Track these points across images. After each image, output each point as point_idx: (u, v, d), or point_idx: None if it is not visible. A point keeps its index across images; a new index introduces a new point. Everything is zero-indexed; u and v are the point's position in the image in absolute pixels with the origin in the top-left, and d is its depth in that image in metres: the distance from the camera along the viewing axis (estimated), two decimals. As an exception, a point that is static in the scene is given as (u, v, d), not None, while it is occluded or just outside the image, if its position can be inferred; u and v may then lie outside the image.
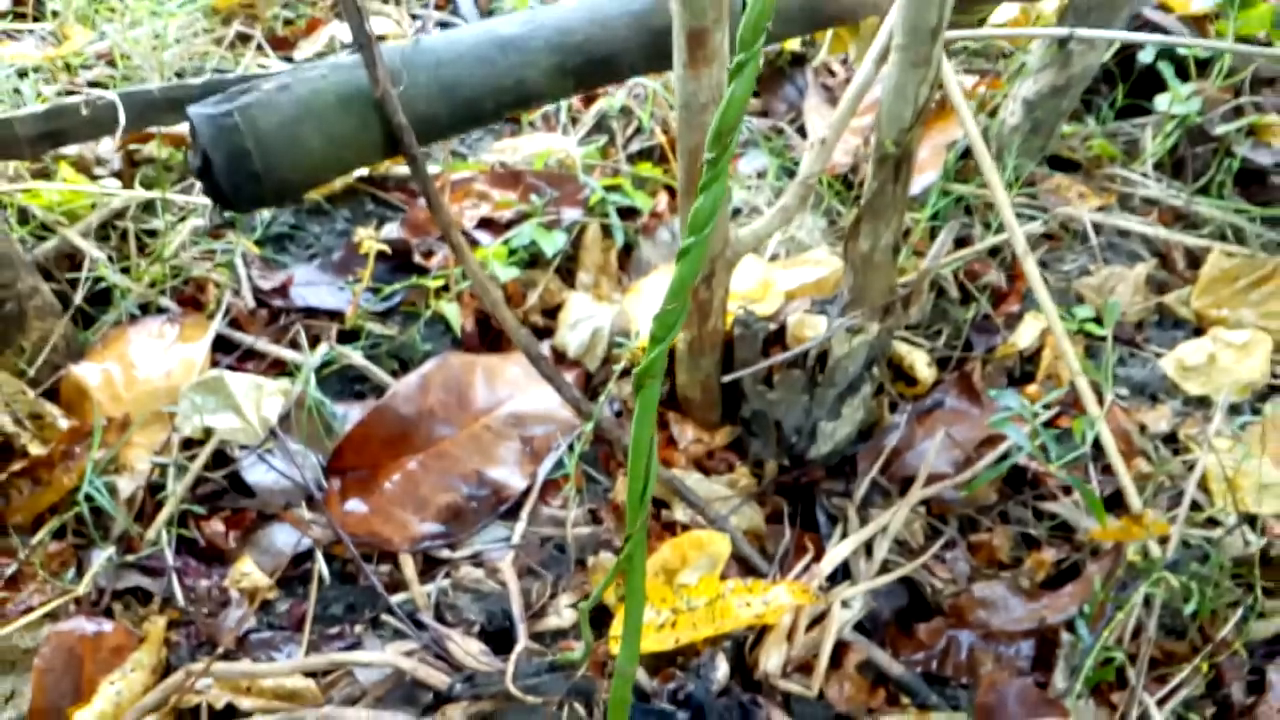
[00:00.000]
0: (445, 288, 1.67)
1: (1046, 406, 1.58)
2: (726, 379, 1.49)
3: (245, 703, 1.24)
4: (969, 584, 1.51)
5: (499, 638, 1.28)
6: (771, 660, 1.34)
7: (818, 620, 1.40)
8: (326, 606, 1.38)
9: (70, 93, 1.82)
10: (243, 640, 1.34)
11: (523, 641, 1.24)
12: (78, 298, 1.61)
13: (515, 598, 1.30)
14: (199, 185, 1.63)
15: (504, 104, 1.39)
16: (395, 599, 1.36)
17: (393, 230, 1.77)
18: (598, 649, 1.25)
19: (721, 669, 1.27)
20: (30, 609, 1.33)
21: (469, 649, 1.24)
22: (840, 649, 1.41)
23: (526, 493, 1.49)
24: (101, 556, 1.39)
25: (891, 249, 1.51)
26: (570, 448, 1.51)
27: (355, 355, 1.59)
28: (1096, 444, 1.64)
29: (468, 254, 1.36)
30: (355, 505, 1.43)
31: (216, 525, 1.44)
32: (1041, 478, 1.63)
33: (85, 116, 1.49)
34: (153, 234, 1.74)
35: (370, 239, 1.61)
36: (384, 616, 1.34)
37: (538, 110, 2.08)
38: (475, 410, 1.53)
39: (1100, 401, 1.53)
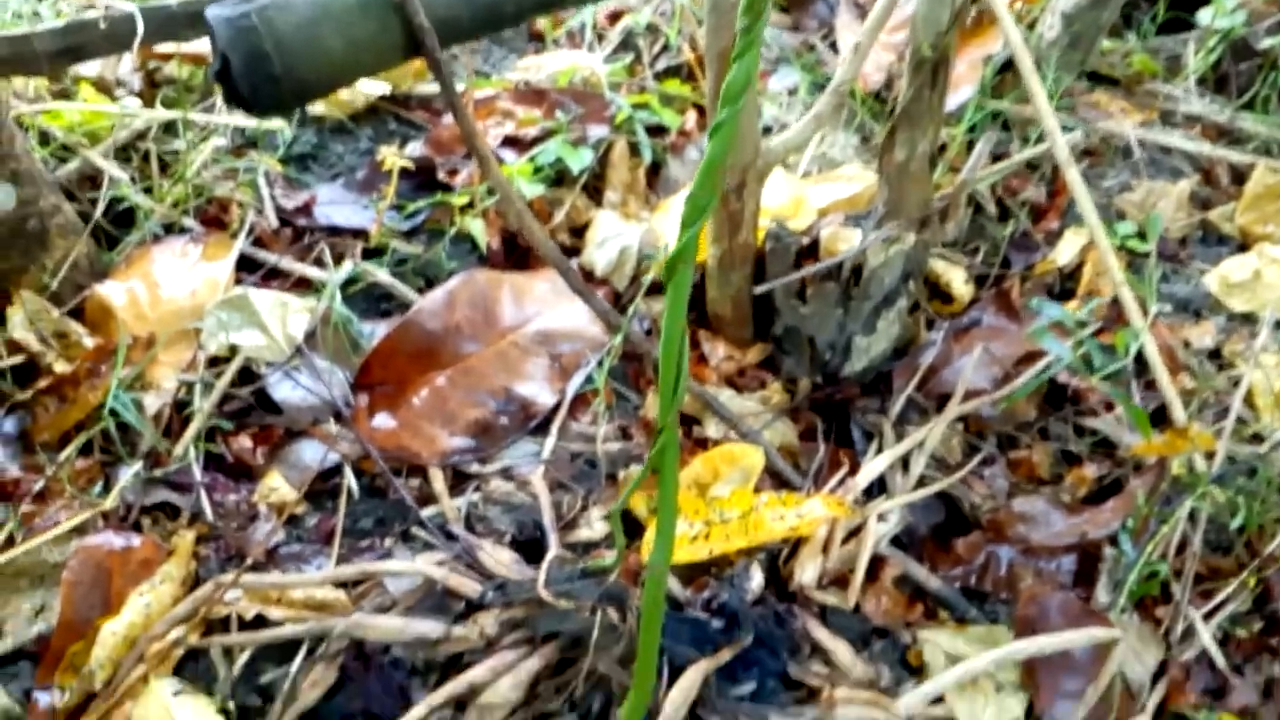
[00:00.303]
0: (470, 205, 1.64)
1: (1083, 324, 1.54)
2: (759, 290, 1.46)
3: (275, 613, 1.23)
4: (1008, 500, 1.48)
5: (530, 548, 1.27)
6: (807, 572, 1.31)
7: (853, 534, 1.37)
8: (355, 521, 1.37)
9: (89, 8, 1.78)
10: (272, 554, 1.32)
11: (554, 549, 1.22)
12: (99, 215, 1.58)
13: (546, 509, 1.28)
14: (219, 93, 1.60)
15: (525, 7, 1.35)
16: (425, 512, 1.34)
17: (416, 148, 1.73)
18: (629, 557, 1.23)
19: (756, 578, 1.25)
20: (58, 524, 1.32)
21: (500, 558, 1.22)
22: (876, 563, 1.38)
23: (556, 409, 1.47)
24: (129, 472, 1.37)
25: (928, 159, 1.46)
26: (599, 364, 1.48)
27: (380, 272, 1.57)
28: (1139, 360, 1.60)
29: (493, 164, 1.32)
30: (383, 420, 1.41)
31: (244, 441, 1.42)
32: (1082, 394, 1.59)
33: (103, 31, 1.46)
34: (175, 154, 1.71)
35: (394, 156, 1.58)
36: (414, 530, 1.33)
37: (561, 18, 2.03)
38: (502, 327, 1.51)
39: (1144, 313, 1.49)
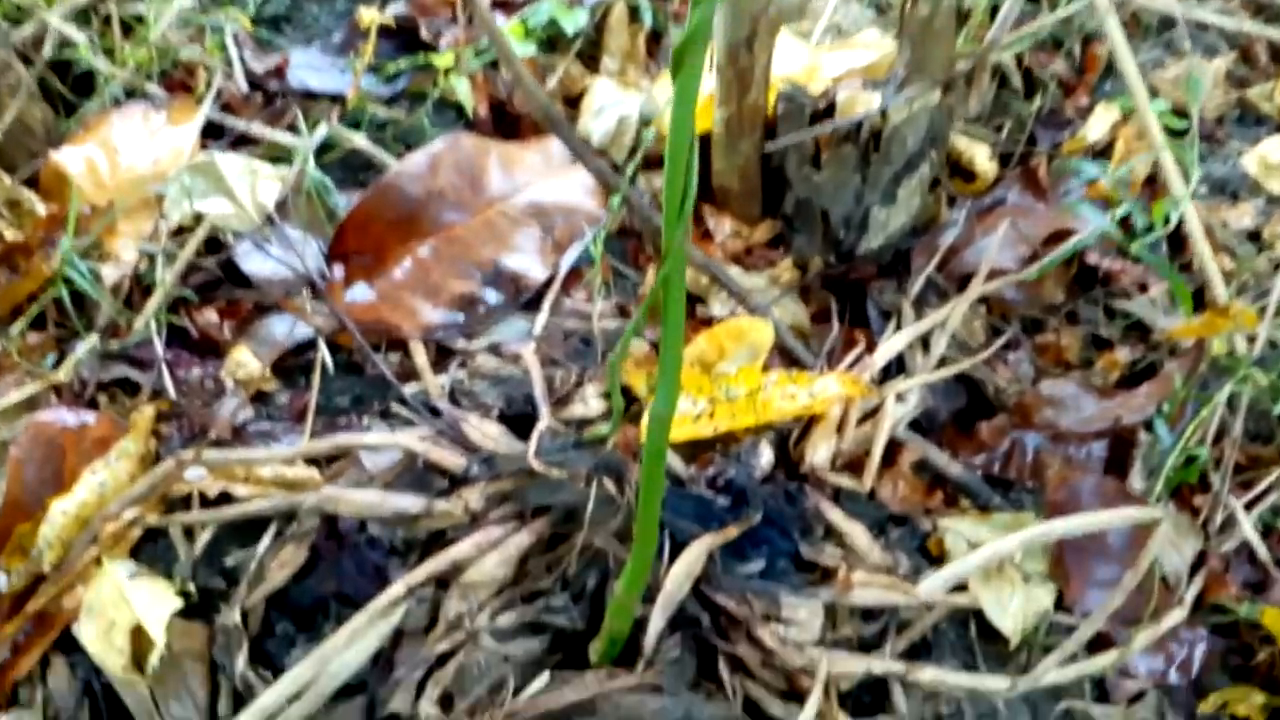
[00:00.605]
0: (456, 66, 1.51)
1: (1116, 201, 1.42)
2: (770, 147, 1.34)
3: (241, 491, 1.13)
4: (1034, 384, 1.37)
5: (519, 423, 1.16)
6: (819, 453, 1.21)
7: (869, 415, 1.27)
8: (330, 398, 1.26)
9: None
10: (239, 432, 1.22)
11: (545, 420, 1.11)
12: (55, 80, 1.46)
13: (538, 381, 1.18)
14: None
15: None
16: (406, 389, 1.23)
17: (399, 7, 1.60)
18: (626, 431, 1.13)
19: (765, 455, 1.14)
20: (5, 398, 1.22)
21: (487, 431, 1.12)
22: (893, 448, 1.28)
23: (548, 284, 1.36)
24: (84, 346, 1.26)
25: (952, 14, 1.34)
26: (596, 235, 1.37)
27: (358, 138, 1.45)
28: (1174, 243, 1.49)
29: (484, 10, 1.20)
30: (361, 293, 1.30)
31: (210, 315, 1.31)
32: (1114, 275, 1.48)
33: None
34: (139, 20, 1.58)
35: (373, 14, 1.45)
36: (394, 407, 1.22)
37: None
38: (490, 195, 1.39)
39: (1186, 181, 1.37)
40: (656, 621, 0.95)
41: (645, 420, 0.94)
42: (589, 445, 1.07)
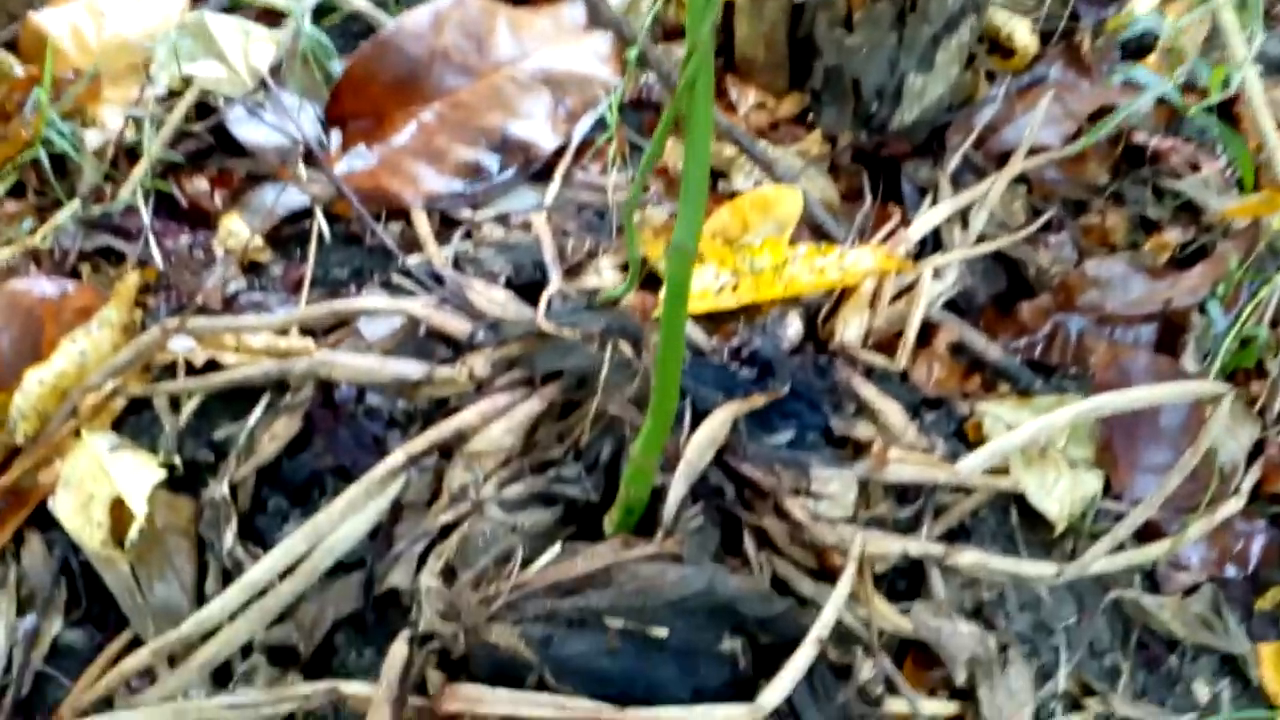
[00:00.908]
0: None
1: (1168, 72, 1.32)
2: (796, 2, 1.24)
3: (230, 360, 1.05)
4: (1079, 265, 1.28)
5: (528, 291, 1.08)
6: (850, 330, 1.13)
7: (904, 293, 1.18)
8: (327, 271, 1.18)
9: None
10: (230, 303, 1.14)
11: (556, 283, 1.03)
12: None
13: (548, 246, 1.09)
14: None
15: None
16: (409, 261, 1.15)
17: None
18: (644, 300, 1.04)
19: (793, 326, 1.06)
20: (-20, 266, 1.14)
21: (493, 297, 1.04)
22: (928, 329, 1.20)
23: (559, 155, 1.27)
24: (66, 212, 1.18)
25: None
26: (611, 103, 1.27)
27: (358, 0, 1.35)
28: (1226, 117, 1.39)
29: None
30: (360, 159, 1.22)
31: (200, 183, 1.23)
32: (1163, 154, 1.38)
33: None
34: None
35: None
36: (396, 279, 1.14)
37: None
38: (497, 59, 1.29)
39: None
40: (677, 490, 0.87)
41: (665, 275, 0.86)
42: (602, 308, 0.98)
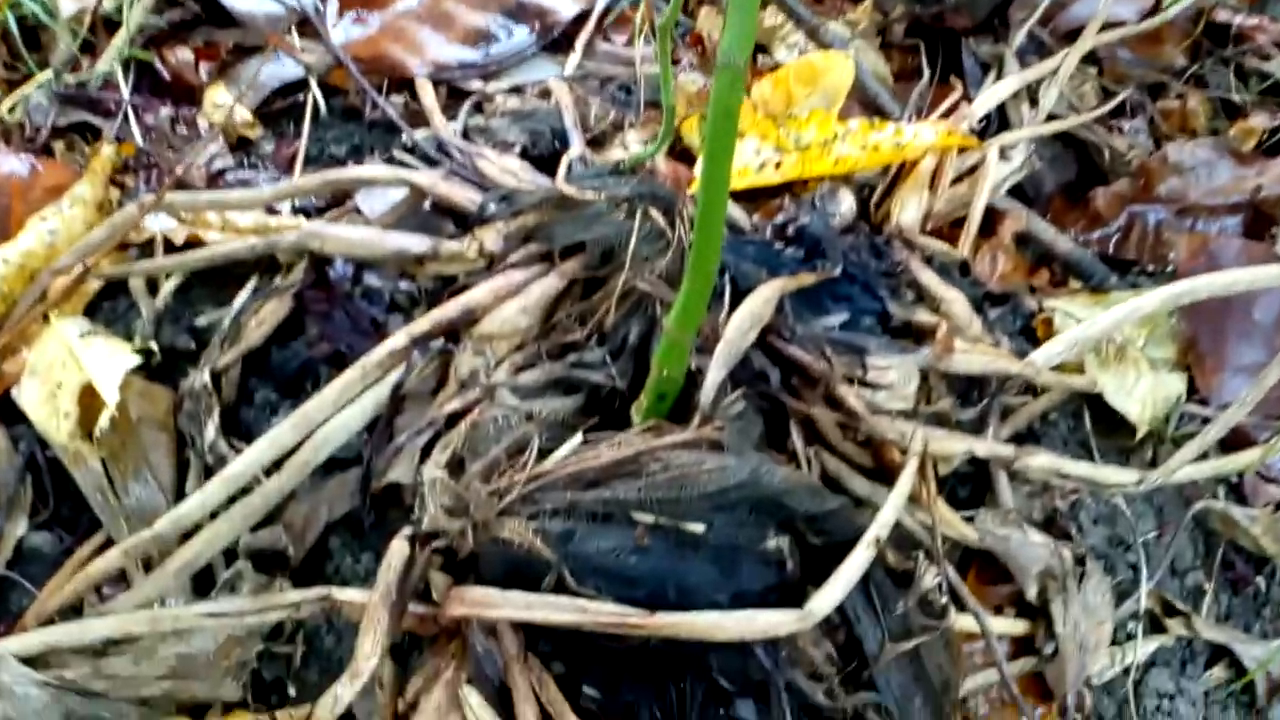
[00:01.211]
0: None
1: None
2: None
3: (214, 238, 0.94)
4: (1158, 151, 1.16)
5: (546, 163, 0.96)
6: (908, 212, 1.01)
7: (966, 175, 1.06)
8: (324, 147, 1.07)
9: None
10: (215, 180, 1.03)
11: (578, 147, 0.91)
12: None
13: (569, 111, 0.98)
14: None
15: None
16: (415, 136, 1.03)
17: None
18: (677, 170, 0.93)
19: (845, 201, 0.95)
20: (-57, 138, 1.03)
21: (507, 166, 0.92)
22: (992, 217, 1.08)
23: (580, 22, 1.14)
24: (37, 82, 1.07)
25: None
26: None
27: None
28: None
29: None
30: (359, 25, 1.10)
31: (184, 54, 1.11)
32: (1247, 33, 1.25)
33: None
34: None
35: None
36: (399, 155, 1.02)
37: None
38: (512, -82, 1.17)
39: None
40: (715, 372, 0.76)
41: (710, 98, 0.74)
42: (630, 171, 0.86)
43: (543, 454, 0.75)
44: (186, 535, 0.84)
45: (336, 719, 0.81)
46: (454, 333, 0.84)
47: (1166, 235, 1.10)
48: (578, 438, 0.76)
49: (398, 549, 0.74)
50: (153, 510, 0.89)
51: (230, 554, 0.87)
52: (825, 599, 0.69)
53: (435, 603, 0.75)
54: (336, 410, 0.83)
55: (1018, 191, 1.10)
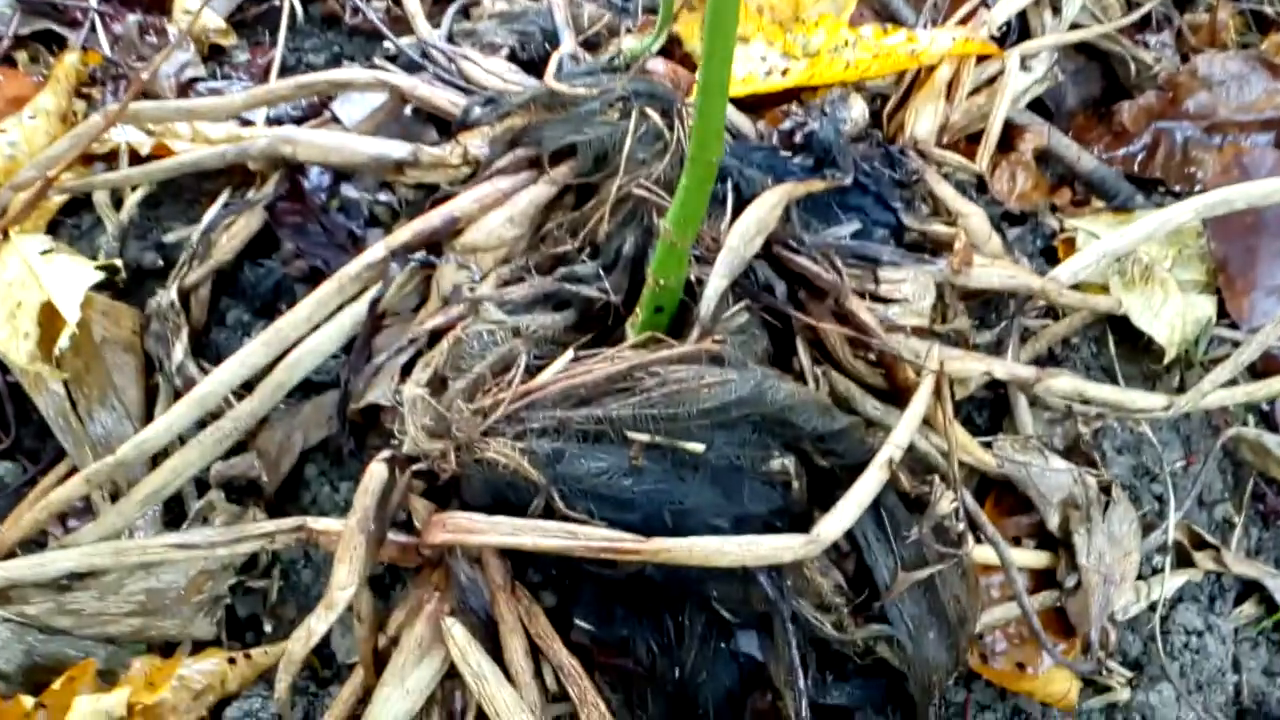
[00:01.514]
0: None
1: None
2: None
3: (178, 145, 0.88)
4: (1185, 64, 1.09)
5: (536, 68, 0.90)
6: (922, 122, 0.95)
7: (985, 86, 1.00)
8: (301, 57, 1.01)
9: None
10: (186, 91, 0.97)
11: (570, 44, 0.85)
12: None
13: (560, 8, 0.91)
14: None
15: None
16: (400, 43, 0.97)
17: None
18: (676, 72, 0.86)
19: (857, 107, 0.88)
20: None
21: (493, 68, 0.86)
22: (1011, 132, 1.02)
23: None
24: (-5, -11, 1.01)
25: None
26: None
27: None
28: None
29: None
30: (338, -73, 1.03)
31: (153, -41, 1.04)
32: (1284, -57, 1.18)
33: None
34: None
35: None
36: (380, 63, 0.96)
37: None
38: None
39: None
40: (717, 281, 0.70)
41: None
42: (625, 69, 0.80)
43: (531, 372, 0.70)
44: (156, 464, 0.79)
45: (313, 655, 0.76)
46: (436, 245, 0.78)
47: (1194, 153, 1.04)
48: (568, 354, 0.70)
49: (375, 472, 0.69)
50: (119, 438, 0.84)
51: (202, 484, 0.82)
52: (834, 524, 0.64)
53: (417, 531, 0.70)
54: (311, 328, 0.77)
55: (1038, 106, 1.04)
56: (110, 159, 0.90)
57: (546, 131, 0.78)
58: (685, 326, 0.72)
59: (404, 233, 0.77)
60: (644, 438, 0.65)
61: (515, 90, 0.82)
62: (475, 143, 0.79)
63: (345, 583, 0.66)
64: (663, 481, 0.65)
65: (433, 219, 0.77)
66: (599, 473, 0.65)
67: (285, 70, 0.98)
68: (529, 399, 0.67)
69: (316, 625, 0.67)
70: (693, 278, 0.72)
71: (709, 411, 0.65)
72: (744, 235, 0.72)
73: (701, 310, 0.69)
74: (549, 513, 0.65)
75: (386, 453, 0.70)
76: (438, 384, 0.72)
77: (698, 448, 0.64)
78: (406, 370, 0.76)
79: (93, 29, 1.00)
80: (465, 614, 0.69)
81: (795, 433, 0.67)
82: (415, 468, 0.69)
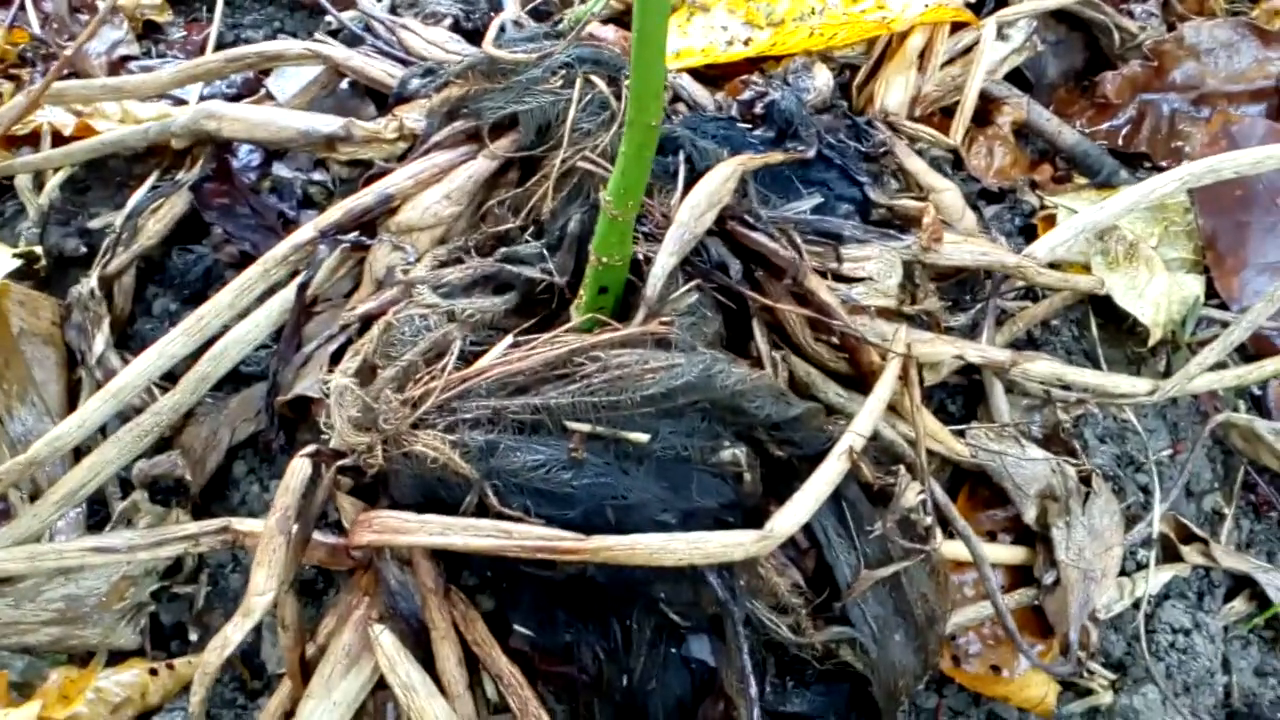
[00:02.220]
0: None
1: None
2: None
3: (103, 125, 0.83)
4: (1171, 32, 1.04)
5: (480, 37, 0.85)
6: (893, 93, 0.90)
7: (960, 56, 0.95)
8: (239, 33, 0.96)
9: None
10: (118, 69, 0.91)
11: (513, 9, 0.80)
12: None
13: (506, -28, 0.86)
14: None
15: None
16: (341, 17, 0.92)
17: None
18: (624, 37, 0.81)
19: (821, 75, 0.83)
20: None
21: (433, 38, 0.81)
22: (988, 105, 0.97)
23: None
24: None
25: None
26: None
27: None
28: None
29: None
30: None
31: (85, -67, 0.99)
32: (1274, -93, 1.13)
33: None
34: None
35: None
36: (320, 38, 0.91)
37: None
38: None
39: None
40: (665, 259, 0.65)
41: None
42: (567, 34, 0.75)
43: (466, 359, 0.65)
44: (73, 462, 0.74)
45: (243, 665, 0.72)
46: (370, 225, 0.73)
47: (1181, 126, 0.99)
48: (507, 340, 0.65)
49: (297, 469, 0.64)
50: (41, 436, 0.78)
51: (128, 484, 0.77)
52: (789, 518, 0.59)
53: (347, 532, 0.65)
54: (237, 316, 0.72)
55: (1017, 77, 0.99)
56: (34, 141, 0.85)
57: (486, 102, 0.73)
58: (632, 308, 0.67)
59: (334, 212, 0.72)
60: (584, 428, 0.60)
61: (455, 60, 0.77)
62: (412, 116, 0.74)
63: (264, 588, 0.61)
64: (604, 475, 0.60)
65: (365, 197, 0.72)
66: (536, 466, 0.60)
67: (222, 47, 0.93)
68: (462, 388, 0.62)
69: (233, 634, 0.62)
70: (641, 256, 0.67)
71: (654, 398, 0.60)
72: (695, 210, 0.67)
73: (648, 290, 0.64)
74: (483, 510, 0.60)
75: (311, 448, 0.65)
76: (367, 373, 0.67)
77: (642, 438, 0.60)
78: (336, 359, 0.71)
79: (21, 7, 0.95)
80: (395, 620, 0.64)
81: (748, 420, 0.62)
82: (342, 463, 0.64)
